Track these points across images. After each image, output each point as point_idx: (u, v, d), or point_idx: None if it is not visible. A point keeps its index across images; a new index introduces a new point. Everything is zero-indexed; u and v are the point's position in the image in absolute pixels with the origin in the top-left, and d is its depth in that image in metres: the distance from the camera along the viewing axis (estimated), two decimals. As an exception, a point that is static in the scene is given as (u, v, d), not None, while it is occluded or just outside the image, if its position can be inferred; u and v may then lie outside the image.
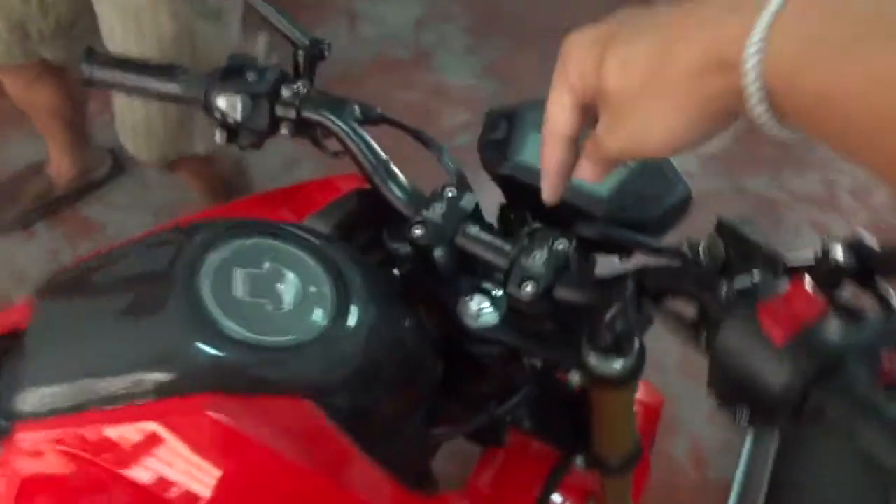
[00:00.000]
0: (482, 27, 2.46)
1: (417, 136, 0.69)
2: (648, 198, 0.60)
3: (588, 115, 0.43)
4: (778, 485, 1.31)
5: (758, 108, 0.32)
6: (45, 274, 0.69)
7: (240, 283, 0.54)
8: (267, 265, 0.56)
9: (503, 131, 0.65)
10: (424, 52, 2.38)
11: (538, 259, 0.55)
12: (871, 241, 0.42)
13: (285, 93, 0.64)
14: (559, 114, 0.43)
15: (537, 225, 0.60)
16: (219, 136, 0.64)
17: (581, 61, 0.40)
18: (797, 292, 0.40)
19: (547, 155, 0.46)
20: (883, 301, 0.42)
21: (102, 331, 0.53)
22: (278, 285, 0.55)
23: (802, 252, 0.45)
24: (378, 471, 0.59)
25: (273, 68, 0.65)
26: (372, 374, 0.56)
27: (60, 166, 1.68)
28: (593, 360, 0.56)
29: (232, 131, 0.64)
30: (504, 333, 0.60)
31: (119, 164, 1.79)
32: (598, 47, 0.39)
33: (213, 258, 0.54)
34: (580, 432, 0.71)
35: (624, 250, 0.60)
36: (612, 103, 0.39)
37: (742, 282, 0.43)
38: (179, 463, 0.50)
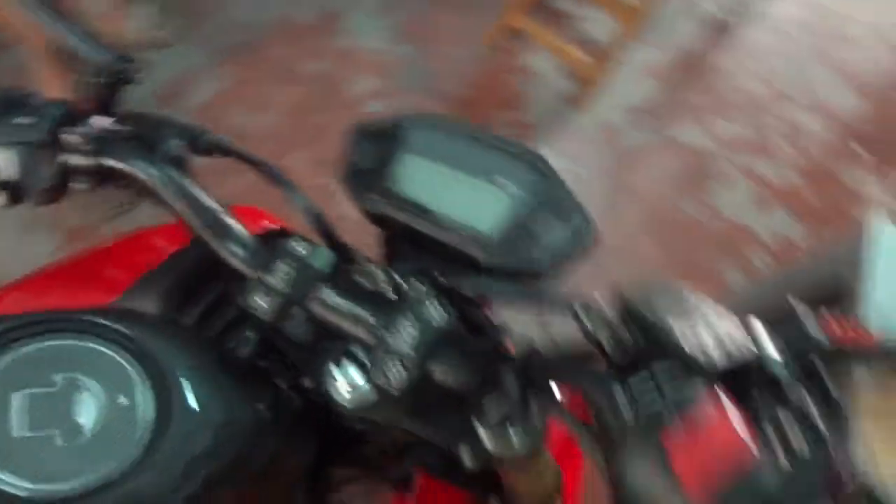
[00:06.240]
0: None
1: (263, 170, 0.56)
2: (541, 233, 0.49)
3: None
4: None
5: None
6: None
7: (18, 414, 0.41)
8: (59, 379, 0.43)
9: (373, 156, 0.53)
10: (332, 14, 2.20)
11: (407, 335, 0.44)
12: (817, 332, 0.33)
13: (70, 137, 0.49)
14: None
15: (413, 282, 0.49)
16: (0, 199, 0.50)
17: None
18: (716, 423, 0.30)
19: None
20: (827, 405, 0.32)
21: None
22: (75, 405, 0.43)
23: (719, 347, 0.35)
24: None
25: (53, 104, 0.50)
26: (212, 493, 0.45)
27: None
28: (485, 439, 0.46)
29: (15, 191, 0.50)
30: (384, 412, 0.50)
31: None
32: None
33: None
34: (492, 473, 0.62)
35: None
36: None
37: (642, 386, 0.33)
38: None
